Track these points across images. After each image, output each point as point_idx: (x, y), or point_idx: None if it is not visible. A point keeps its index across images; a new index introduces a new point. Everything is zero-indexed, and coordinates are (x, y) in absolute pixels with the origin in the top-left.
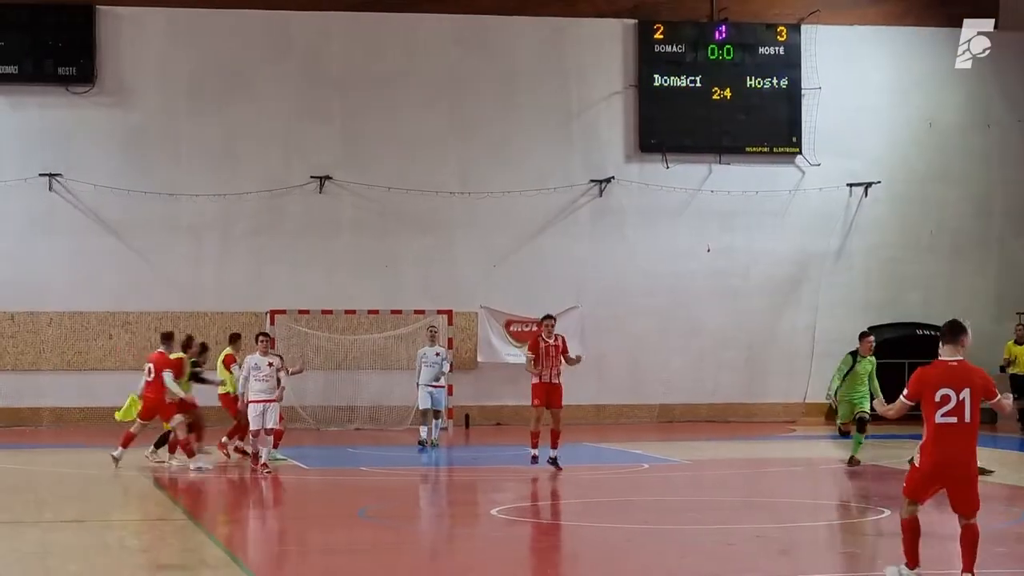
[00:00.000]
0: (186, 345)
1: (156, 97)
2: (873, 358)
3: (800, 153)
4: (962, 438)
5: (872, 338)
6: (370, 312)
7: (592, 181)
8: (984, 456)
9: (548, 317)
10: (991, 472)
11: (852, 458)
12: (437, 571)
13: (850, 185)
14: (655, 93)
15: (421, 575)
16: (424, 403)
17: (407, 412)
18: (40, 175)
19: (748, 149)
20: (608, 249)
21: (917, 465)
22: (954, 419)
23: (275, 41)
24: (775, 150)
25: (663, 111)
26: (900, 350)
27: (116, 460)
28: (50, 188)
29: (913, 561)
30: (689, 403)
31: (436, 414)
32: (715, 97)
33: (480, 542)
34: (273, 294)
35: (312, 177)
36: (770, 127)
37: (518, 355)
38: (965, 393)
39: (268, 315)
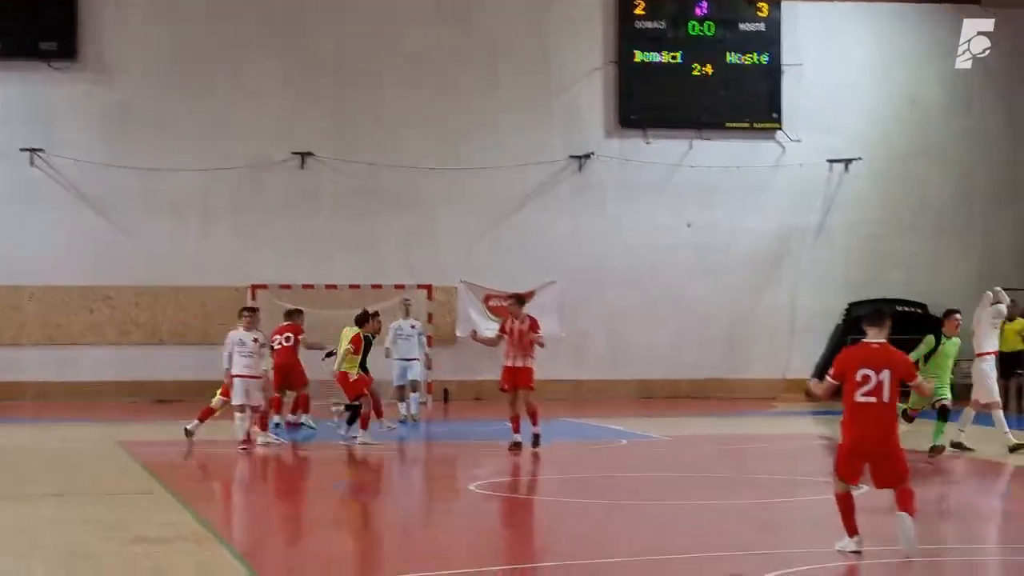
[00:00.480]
0: (363, 320)
1: (138, 73)
2: (958, 339)
3: (781, 129)
4: (880, 416)
5: (959, 316)
6: (351, 287)
7: (572, 157)
8: (978, 433)
9: (514, 298)
10: (972, 450)
11: (934, 447)
12: (412, 545)
13: (831, 161)
14: (635, 69)
15: (395, 549)
16: (399, 379)
17: (387, 387)
18: (22, 150)
19: (728, 125)
20: (588, 225)
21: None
22: (873, 399)
23: (258, 17)
24: (755, 126)
25: (643, 87)
26: None
27: (190, 433)
28: (31, 163)
29: (852, 531)
30: (669, 379)
31: (413, 387)
32: (695, 73)
33: (455, 517)
34: (254, 269)
35: (294, 153)
36: (751, 103)
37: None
38: (885, 374)
39: (249, 290)
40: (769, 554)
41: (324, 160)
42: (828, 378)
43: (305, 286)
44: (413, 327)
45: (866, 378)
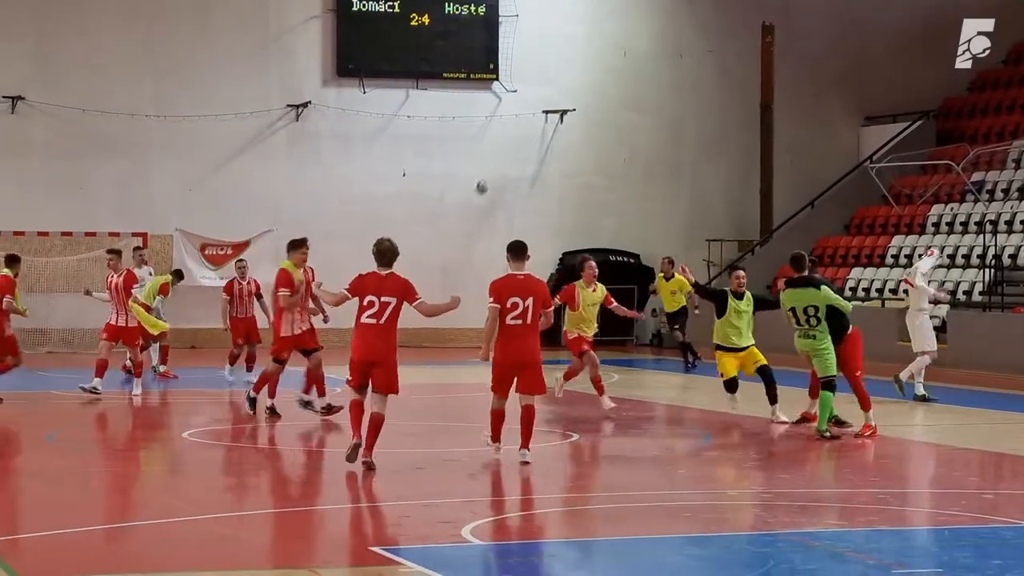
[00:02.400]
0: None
1: None
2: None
3: (497, 80)
4: (526, 336)
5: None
6: (63, 234)
7: (289, 106)
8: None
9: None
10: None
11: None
12: (126, 493)
13: (546, 112)
14: (354, 17)
15: (108, 499)
16: None
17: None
18: None
19: (446, 75)
20: (305, 174)
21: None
22: (520, 321)
23: None
24: (473, 76)
25: (362, 36)
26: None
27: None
28: None
29: (495, 438)
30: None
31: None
32: (413, 23)
33: (168, 465)
34: None
35: (3, 97)
36: (468, 53)
37: (213, 278)
38: (529, 301)
39: None
40: (478, 501)
41: (34, 104)
42: (491, 305)
43: (16, 232)
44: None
45: (515, 304)
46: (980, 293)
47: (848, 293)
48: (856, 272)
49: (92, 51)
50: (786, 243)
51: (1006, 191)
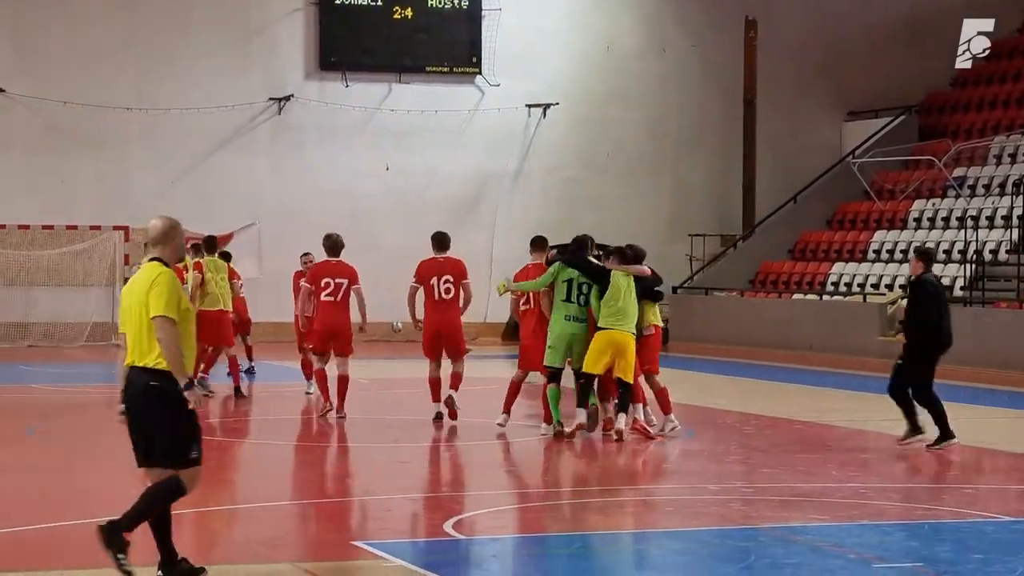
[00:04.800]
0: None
1: None
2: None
3: (480, 74)
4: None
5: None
6: (44, 227)
7: (271, 99)
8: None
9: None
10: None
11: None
12: (106, 486)
13: (529, 106)
14: (336, 11)
15: (90, 492)
16: None
17: (83, 329)
18: None
19: (429, 69)
20: (287, 167)
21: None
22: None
23: None
24: (455, 70)
25: (344, 29)
26: None
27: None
28: None
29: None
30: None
31: None
32: (396, 16)
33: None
34: None
35: None
36: (451, 47)
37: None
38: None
39: None
40: (461, 496)
41: (15, 97)
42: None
43: None
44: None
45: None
46: (961, 288)
47: (830, 288)
48: (838, 267)
49: (73, 43)
50: (768, 238)
51: (987, 187)
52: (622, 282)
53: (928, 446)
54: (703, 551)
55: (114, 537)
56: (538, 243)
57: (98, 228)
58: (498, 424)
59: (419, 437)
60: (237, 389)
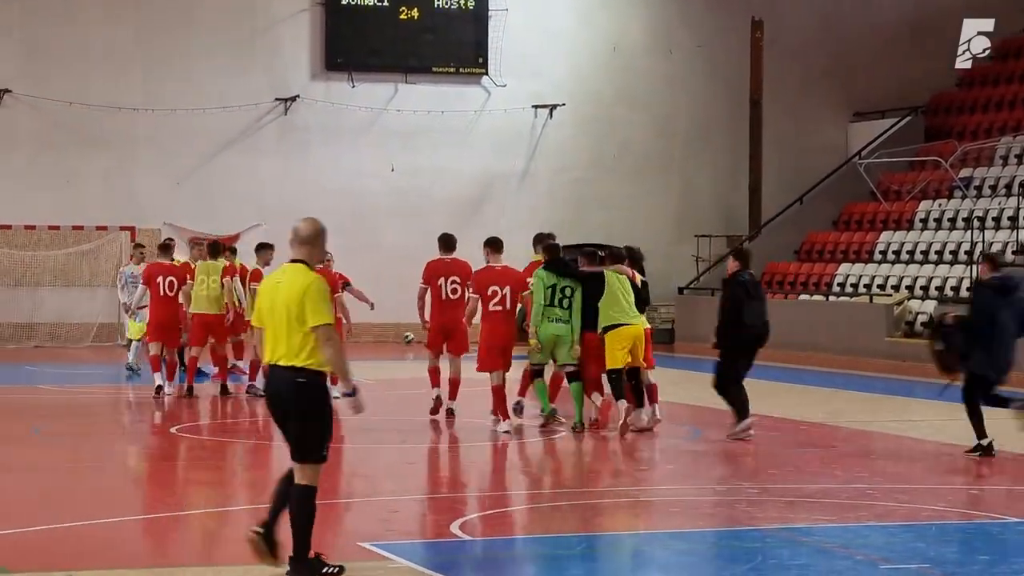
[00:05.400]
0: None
1: None
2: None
3: (486, 74)
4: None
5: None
6: (51, 227)
7: (277, 99)
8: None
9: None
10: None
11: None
12: (113, 487)
13: (535, 107)
14: (342, 11)
15: (92, 493)
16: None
17: (89, 329)
18: None
19: (435, 69)
20: (292, 168)
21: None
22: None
23: None
24: (461, 71)
25: (350, 29)
26: None
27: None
28: None
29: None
30: (364, 322)
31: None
32: (403, 16)
33: (155, 460)
34: None
35: None
36: (457, 47)
37: None
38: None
39: None
40: (467, 496)
41: (21, 97)
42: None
43: (2, 226)
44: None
45: (495, 293)
46: (967, 289)
47: (836, 288)
48: (844, 268)
49: (79, 44)
50: (774, 238)
51: (994, 187)
52: (615, 281)
53: (729, 434)
54: (709, 552)
55: (303, 568)
56: (539, 240)
57: (104, 228)
58: (504, 432)
59: (426, 438)
60: (224, 387)
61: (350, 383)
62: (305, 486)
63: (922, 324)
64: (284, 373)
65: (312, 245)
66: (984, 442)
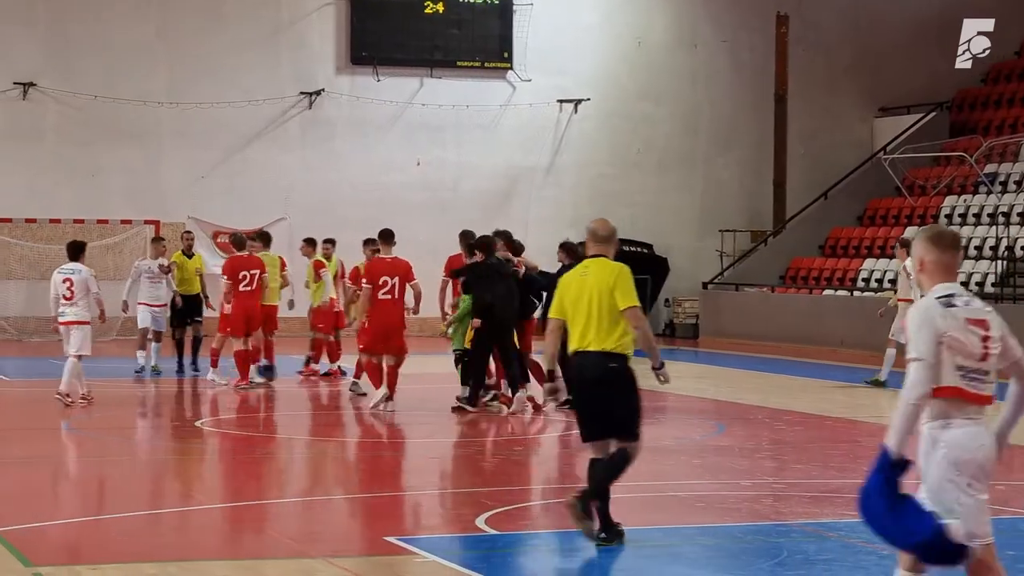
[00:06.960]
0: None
1: None
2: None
3: (511, 69)
4: (395, 309)
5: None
6: (76, 221)
7: (302, 93)
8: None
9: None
10: None
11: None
12: (139, 481)
13: (560, 102)
14: (367, 5)
15: (122, 486)
16: (144, 322)
17: (113, 323)
18: None
19: (460, 63)
20: (318, 162)
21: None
22: (390, 296)
23: None
24: (487, 65)
25: (375, 23)
26: None
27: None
28: None
29: (377, 384)
30: None
31: (157, 336)
32: (427, 10)
33: (182, 454)
34: None
35: (15, 83)
36: (482, 42)
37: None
38: (395, 280)
39: None
40: (493, 491)
41: (47, 91)
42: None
43: (28, 220)
44: (161, 267)
45: (385, 283)
46: (992, 285)
47: (861, 284)
48: (869, 263)
49: (104, 38)
50: (799, 234)
51: (1019, 183)
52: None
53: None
54: (735, 547)
55: (584, 507)
56: (465, 236)
57: (129, 222)
58: (390, 410)
59: (449, 432)
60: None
61: (658, 357)
62: (626, 450)
63: None
64: (596, 358)
65: (608, 243)
66: None
